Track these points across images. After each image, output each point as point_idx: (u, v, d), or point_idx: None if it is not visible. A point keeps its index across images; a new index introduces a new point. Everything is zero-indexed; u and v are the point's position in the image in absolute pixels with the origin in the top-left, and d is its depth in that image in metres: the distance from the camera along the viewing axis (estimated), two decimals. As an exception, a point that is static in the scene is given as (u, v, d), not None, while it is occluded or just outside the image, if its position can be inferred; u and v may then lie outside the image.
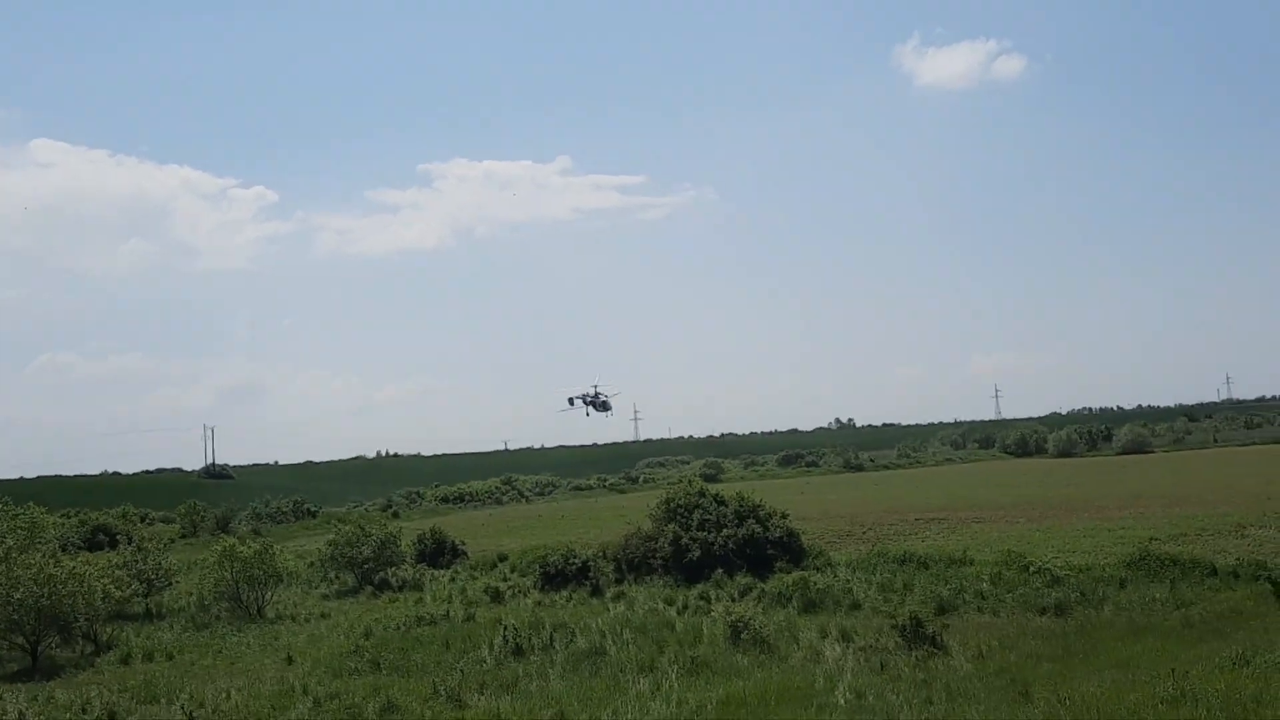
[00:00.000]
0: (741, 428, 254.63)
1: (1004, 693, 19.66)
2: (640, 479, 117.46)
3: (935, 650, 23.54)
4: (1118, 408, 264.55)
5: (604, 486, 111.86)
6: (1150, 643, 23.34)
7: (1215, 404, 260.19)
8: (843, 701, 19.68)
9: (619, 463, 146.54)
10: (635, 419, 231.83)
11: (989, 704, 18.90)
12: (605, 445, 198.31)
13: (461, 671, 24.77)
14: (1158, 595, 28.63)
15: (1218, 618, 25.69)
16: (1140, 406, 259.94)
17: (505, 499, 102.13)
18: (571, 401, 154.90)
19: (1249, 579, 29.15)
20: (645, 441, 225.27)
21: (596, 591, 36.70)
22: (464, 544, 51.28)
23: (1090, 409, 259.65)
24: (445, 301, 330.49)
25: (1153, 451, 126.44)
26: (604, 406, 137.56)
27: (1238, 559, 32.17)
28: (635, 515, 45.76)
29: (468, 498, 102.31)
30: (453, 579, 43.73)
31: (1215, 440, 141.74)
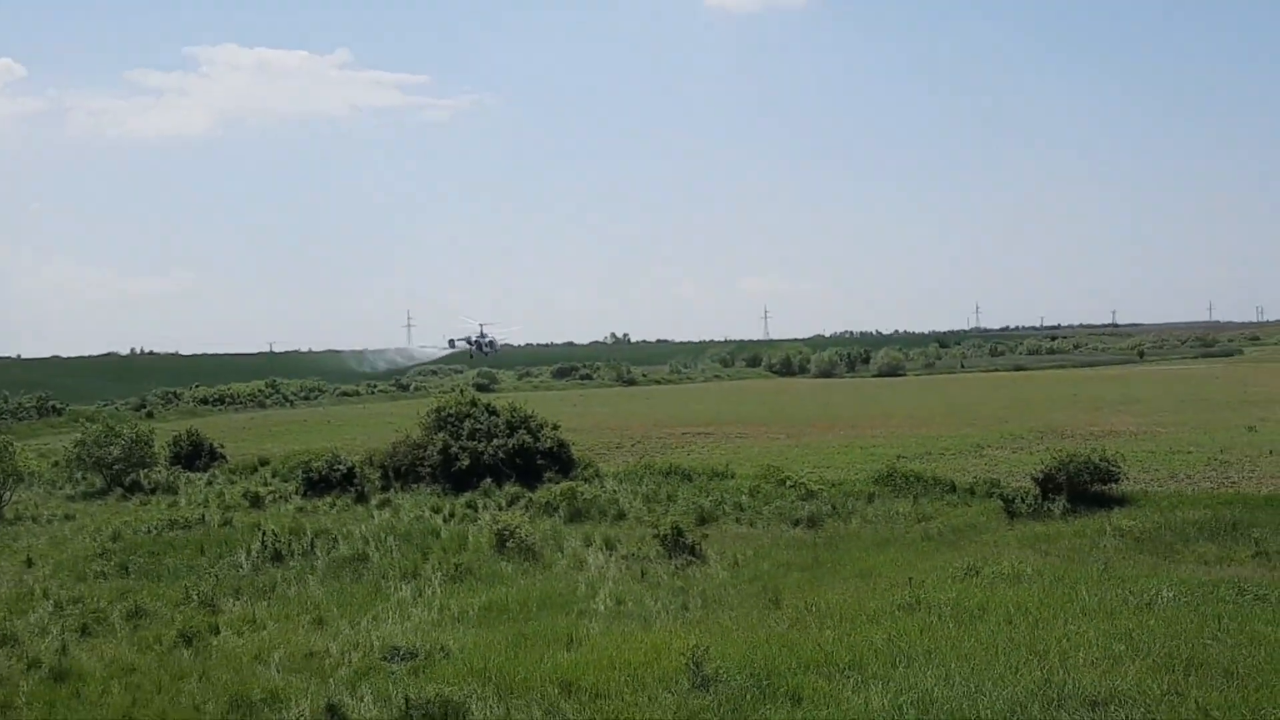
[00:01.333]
0: (516, 339, 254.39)
1: (756, 599, 20.54)
2: (411, 387, 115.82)
3: (694, 559, 24.32)
4: (876, 332, 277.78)
5: (373, 393, 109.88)
6: (892, 554, 24.75)
7: (965, 332, 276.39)
8: (603, 608, 20.15)
9: (389, 370, 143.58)
10: (408, 325, 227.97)
11: (741, 610, 19.72)
12: (376, 351, 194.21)
13: (216, 577, 24.09)
14: (902, 509, 30.34)
15: (954, 531, 27.44)
16: (897, 332, 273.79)
17: (269, 403, 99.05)
18: (453, 343, 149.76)
19: (983, 496, 31.19)
20: (419, 348, 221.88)
21: (361, 498, 36.20)
22: (223, 447, 49.59)
23: (851, 333, 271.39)
24: (211, 195, 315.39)
25: (906, 375, 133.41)
26: (490, 347, 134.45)
27: (975, 477, 34.31)
28: (405, 423, 45.15)
29: (228, 400, 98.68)
30: (210, 483, 42.31)
31: (962, 366, 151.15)
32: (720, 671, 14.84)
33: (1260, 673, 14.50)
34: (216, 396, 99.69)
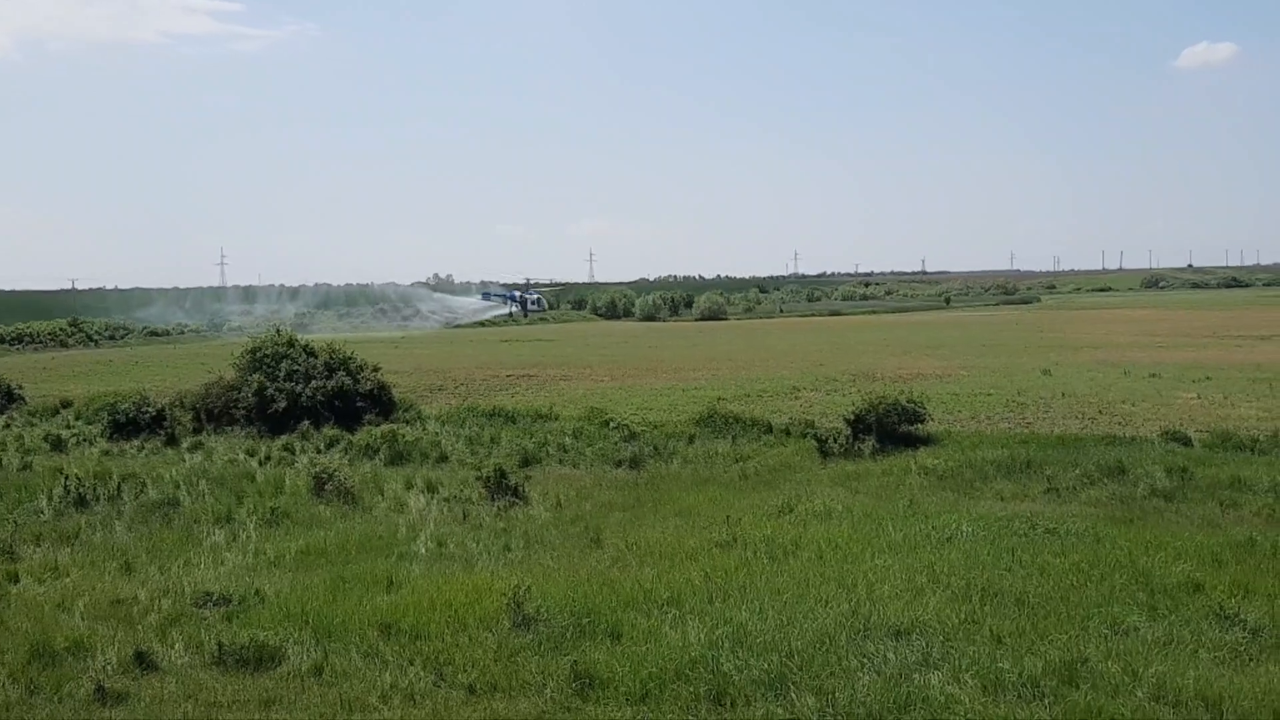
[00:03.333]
0: (336, 279, 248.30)
1: (578, 539, 20.76)
2: (225, 327, 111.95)
3: (517, 500, 24.39)
4: (699, 277, 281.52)
5: (184, 333, 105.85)
6: (711, 493, 25.32)
7: (784, 278, 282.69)
8: (424, 550, 20.05)
9: (194, 309, 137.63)
10: (221, 264, 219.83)
11: (563, 550, 19.91)
12: (188, 289, 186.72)
13: (15, 523, 22.93)
14: (721, 450, 31.03)
15: (770, 470, 28.24)
16: (719, 277, 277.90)
17: (71, 342, 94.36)
18: (488, 296, 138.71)
19: (799, 436, 32.13)
20: (233, 288, 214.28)
21: (172, 441, 34.95)
22: (21, 388, 47.00)
23: (675, 277, 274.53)
24: (7, 122, 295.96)
25: (727, 319, 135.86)
26: (537, 305, 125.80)
27: (791, 418, 35.28)
28: (218, 364, 43.73)
29: (26, 339, 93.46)
30: (7, 425, 40.10)
31: (781, 311, 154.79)
32: (541, 611, 14.97)
33: (1048, 601, 15.45)
34: (14, 335, 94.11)
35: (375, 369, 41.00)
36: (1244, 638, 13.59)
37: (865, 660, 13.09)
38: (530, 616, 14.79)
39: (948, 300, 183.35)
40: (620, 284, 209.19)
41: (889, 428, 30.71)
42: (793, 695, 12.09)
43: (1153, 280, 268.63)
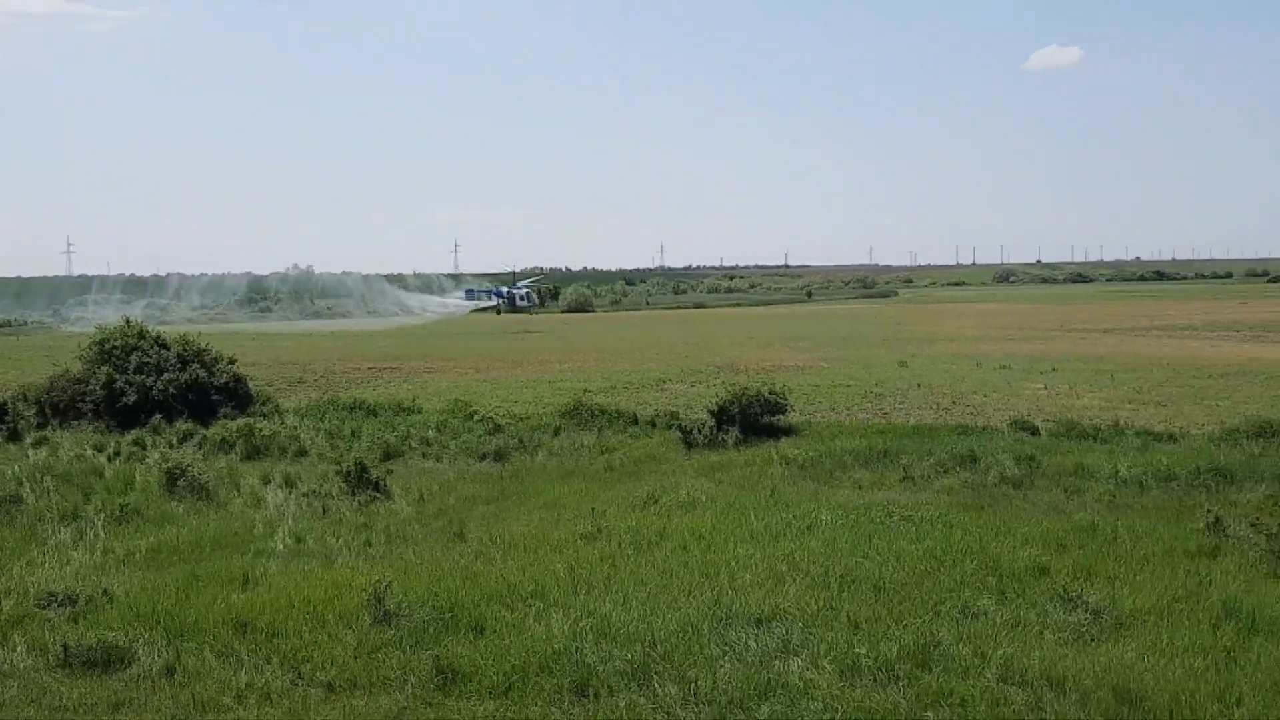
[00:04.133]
0: (191, 268, 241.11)
1: (441, 533, 20.53)
2: (73, 317, 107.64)
3: (379, 495, 23.99)
4: (566, 268, 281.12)
5: (29, 325, 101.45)
6: (576, 485, 25.31)
7: (650, 270, 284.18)
8: (282, 546, 19.59)
9: (40, 300, 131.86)
10: (68, 252, 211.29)
11: (426, 544, 19.67)
12: (32, 279, 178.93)
13: None
14: (586, 442, 31.03)
15: (635, 462, 28.36)
16: (586, 268, 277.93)
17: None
18: (473, 294, 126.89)
19: (664, 428, 32.35)
20: (79, 277, 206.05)
21: (14, 436, 33.40)
22: None
23: (541, 268, 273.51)
24: None
25: (594, 311, 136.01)
26: (527, 300, 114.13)
27: (656, 410, 35.51)
28: (64, 356, 41.93)
29: None
30: None
31: (647, 303, 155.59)
32: (403, 606, 14.79)
33: (904, 586, 15.88)
34: None
35: (231, 361, 39.83)
36: (1086, 619, 14.16)
37: (727, 648, 13.26)
38: (391, 612, 14.59)
39: (809, 294, 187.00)
40: (486, 274, 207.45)
41: (752, 419, 31.13)
42: (656, 685, 12.18)
43: (1004, 275, 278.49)
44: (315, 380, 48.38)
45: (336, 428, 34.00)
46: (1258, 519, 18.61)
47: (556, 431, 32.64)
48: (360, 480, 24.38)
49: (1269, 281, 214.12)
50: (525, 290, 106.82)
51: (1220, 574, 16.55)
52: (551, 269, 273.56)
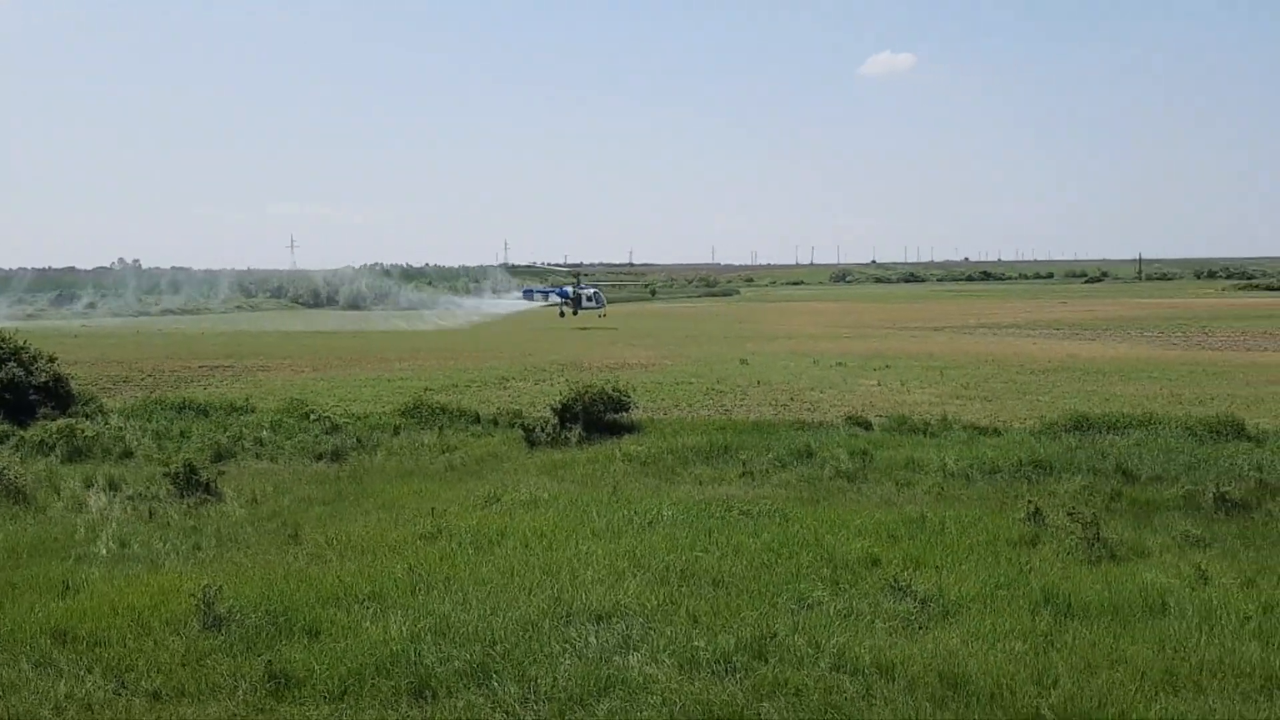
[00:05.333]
0: (7, 262, 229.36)
1: (275, 536, 19.98)
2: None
3: (209, 497, 23.19)
4: (407, 264, 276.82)
5: None
6: (416, 485, 24.95)
7: (493, 267, 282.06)
8: (105, 551, 18.76)
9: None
10: None
11: (259, 547, 19.12)
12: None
13: None
14: (427, 441, 30.62)
15: (477, 461, 28.12)
16: (428, 265, 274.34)
17: None
18: (531, 294, 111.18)
19: (506, 426, 32.16)
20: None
21: None
22: None
23: (382, 264, 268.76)
24: None
25: (435, 308, 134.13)
26: (593, 300, 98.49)
27: (499, 408, 35.30)
28: None
29: None
30: None
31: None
32: (234, 610, 14.34)
33: (742, 580, 16.14)
34: None
35: (51, 359, 37.98)
36: (914, 607, 14.63)
37: (567, 645, 13.26)
38: (222, 617, 14.14)
39: (653, 292, 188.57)
40: (323, 271, 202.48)
41: (595, 416, 31.20)
42: (495, 684, 12.10)
43: (841, 275, 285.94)
44: (142, 379, 46.67)
45: (165, 428, 32.76)
46: (1074, 509, 19.54)
47: (396, 431, 32.12)
48: (189, 482, 23.53)
49: (1086, 282, 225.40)
50: (594, 291, 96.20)
51: (1039, 562, 17.31)
52: (393, 265, 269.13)
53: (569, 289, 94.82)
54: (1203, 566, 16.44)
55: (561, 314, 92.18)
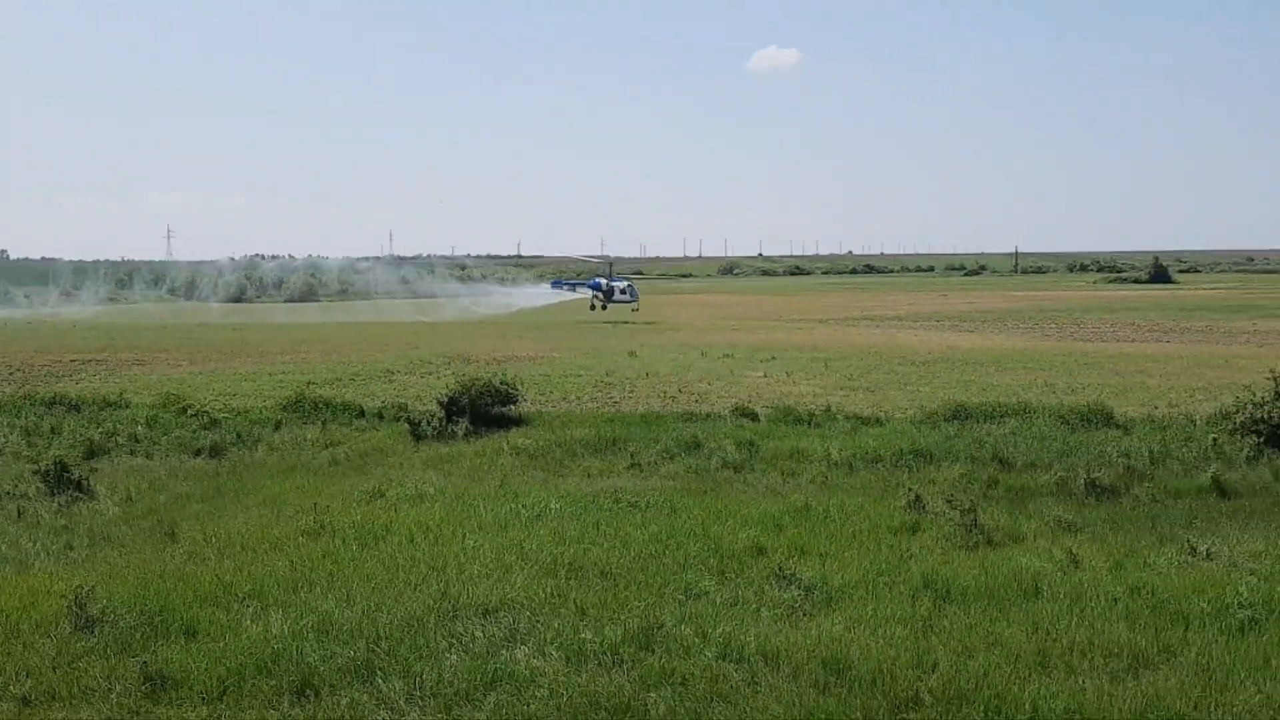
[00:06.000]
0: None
1: (150, 534, 19.47)
2: None
3: (81, 495, 22.49)
4: (289, 256, 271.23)
5: None
6: (299, 480, 24.51)
7: (378, 258, 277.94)
8: (-33, 554, 18.06)
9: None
10: None
11: (134, 546, 18.61)
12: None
13: None
14: (310, 436, 30.08)
15: (361, 455, 27.72)
16: (311, 256, 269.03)
17: None
18: (561, 285, 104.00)
19: (391, 420, 31.73)
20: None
21: None
22: None
23: (263, 256, 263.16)
24: None
25: (319, 300, 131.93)
26: (626, 293, 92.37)
27: (384, 402, 34.78)
28: None
29: None
30: None
31: (376, 291, 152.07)
32: (107, 611, 13.92)
33: (629, 571, 16.20)
34: None
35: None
36: (799, 595, 14.85)
37: (454, 640, 13.16)
38: (95, 618, 13.71)
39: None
40: (203, 261, 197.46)
41: (482, 409, 30.98)
42: (380, 681, 11.96)
43: (729, 267, 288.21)
44: (10, 374, 45.00)
45: (34, 424, 31.62)
46: (953, 496, 20.03)
47: (278, 425, 31.48)
48: (61, 480, 22.79)
49: (965, 275, 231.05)
50: (627, 284, 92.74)
51: (920, 548, 17.72)
52: (273, 256, 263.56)
53: (601, 281, 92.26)
54: (1074, 550, 17.01)
55: (593, 307, 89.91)
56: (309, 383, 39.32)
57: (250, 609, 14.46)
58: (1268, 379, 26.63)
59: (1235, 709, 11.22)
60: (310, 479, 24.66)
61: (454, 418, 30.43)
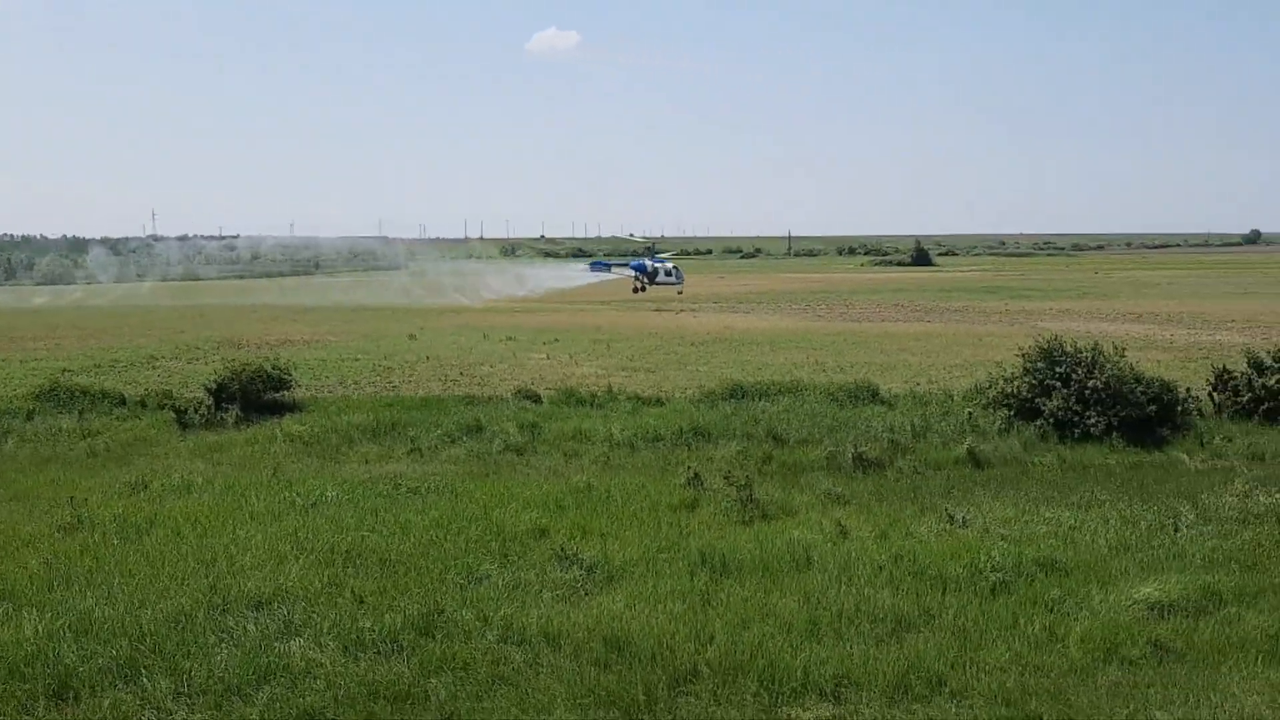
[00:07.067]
0: None
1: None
2: None
3: None
4: (42, 236, 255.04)
5: None
6: (53, 473, 23.16)
7: (139, 238, 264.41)
8: None
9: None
10: None
11: None
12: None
13: None
14: (66, 426, 28.38)
15: (123, 446, 26.36)
16: (66, 236, 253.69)
17: None
18: (599, 267, 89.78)
19: (155, 408, 30.23)
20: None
21: None
22: None
23: (13, 236, 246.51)
24: None
25: (75, 284, 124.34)
26: (670, 275, 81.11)
27: (147, 389, 33.13)
28: None
29: None
30: None
31: (139, 276, 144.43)
32: None
33: (410, 558, 15.98)
34: None
35: None
36: (581, 575, 14.98)
37: (224, 635, 12.71)
38: None
39: (317, 265, 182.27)
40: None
41: (254, 396, 29.91)
42: (145, 680, 11.44)
43: (510, 249, 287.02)
44: None
45: None
46: (730, 472, 20.59)
47: (29, 416, 29.56)
48: None
49: (742, 258, 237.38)
50: (672, 266, 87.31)
51: (698, 524, 18.15)
52: (24, 236, 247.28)
53: (645, 263, 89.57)
54: (843, 522, 17.77)
55: (635, 289, 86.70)
56: (64, 370, 37.11)
57: (1, 611, 13.57)
58: (1017, 356, 28.42)
59: (988, 666, 11.95)
60: (66, 471, 23.33)
61: (224, 405, 29.27)
